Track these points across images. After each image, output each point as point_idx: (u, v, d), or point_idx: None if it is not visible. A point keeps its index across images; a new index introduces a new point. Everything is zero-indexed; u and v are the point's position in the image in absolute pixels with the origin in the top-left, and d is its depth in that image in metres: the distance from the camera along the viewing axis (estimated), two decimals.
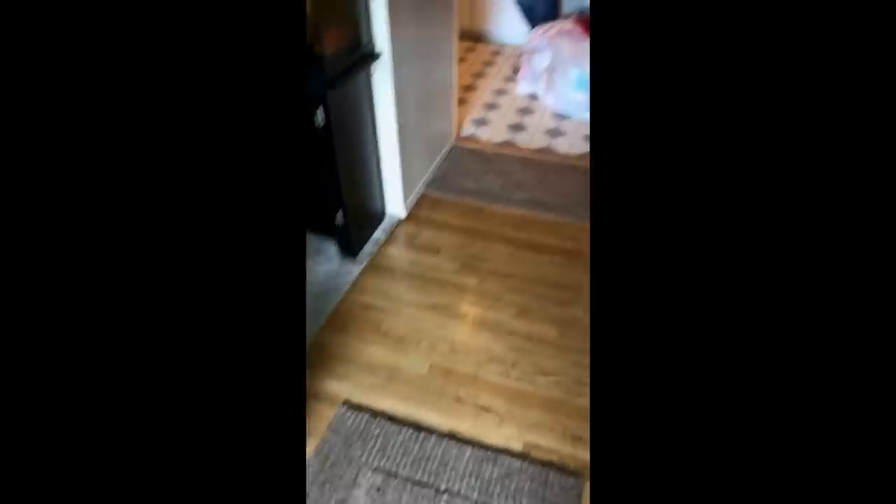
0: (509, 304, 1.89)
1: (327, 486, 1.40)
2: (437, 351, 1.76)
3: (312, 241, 2.17)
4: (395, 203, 2.28)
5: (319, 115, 1.71)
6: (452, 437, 1.51)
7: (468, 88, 3.24)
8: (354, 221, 2.05)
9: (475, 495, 1.37)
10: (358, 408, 1.59)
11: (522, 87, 3.14)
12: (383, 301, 1.94)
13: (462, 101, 3.04)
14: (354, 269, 2.07)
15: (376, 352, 1.76)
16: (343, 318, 1.88)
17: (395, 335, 1.81)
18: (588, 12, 2.97)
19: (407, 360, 1.74)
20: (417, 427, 1.54)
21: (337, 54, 1.70)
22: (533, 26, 3.17)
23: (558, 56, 2.82)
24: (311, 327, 1.83)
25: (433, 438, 1.50)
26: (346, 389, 1.65)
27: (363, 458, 1.46)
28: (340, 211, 1.96)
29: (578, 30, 2.78)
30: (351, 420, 1.55)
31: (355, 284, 2.00)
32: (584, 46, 2.73)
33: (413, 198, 2.35)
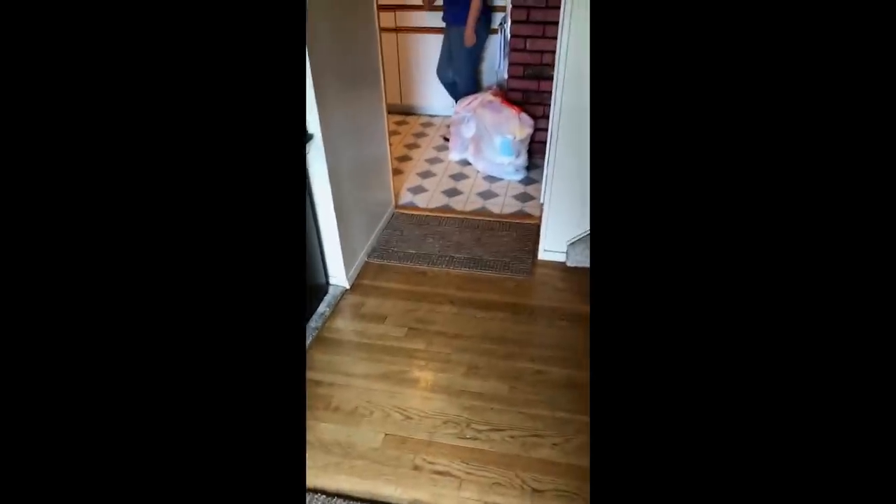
0: (458, 364, 1.92)
1: None
2: (390, 420, 1.74)
3: None
4: (337, 274, 2.30)
5: None
6: None
7: (403, 159, 3.40)
8: None
9: None
10: (313, 491, 1.53)
11: (454, 155, 3.33)
12: (332, 376, 1.92)
13: (397, 172, 3.18)
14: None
15: (327, 429, 1.72)
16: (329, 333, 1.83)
17: (346, 409, 1.78)
18: (505, 85, 3.25)
19: (360, 433, 1.70)
20: None
21: None
22: (457, 100, 3.41)
23: (482, 125, 3.04)
24: None
25: None
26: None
27: None
28: None
29: (498, 100, 3.03)
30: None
31: (308, 355, 1.97)
32: (505, 115, 2.96)
33: (356, 267, 2.39)
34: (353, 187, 2.28)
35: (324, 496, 1.51)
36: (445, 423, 1.72)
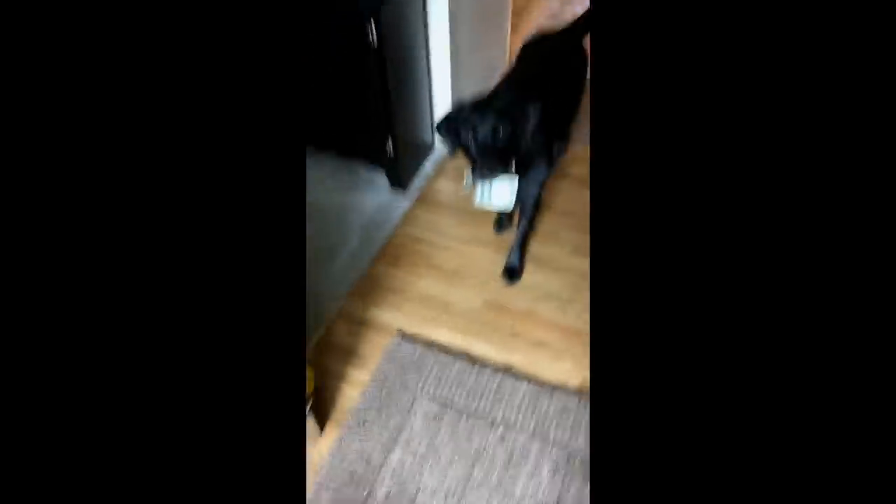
0: (565, 242, 1.82)
1: (383, 412, 1.43)
2: (489, 286, 1.72)
3: (362, 172, 2.12)
4: None
5: (372, 33, 1.60)
6: (507, 370, 1.50)
7: (521, 12, 3.01)
8: (405, 152, 1.97)
9: (532, 427, 1.37)
10: (412, 338, 1.59)
11: (578, 10, 2.89)
12: (434, 235, 1.90)
13: (514, 28, 2.83)
14: (404, 202, 2.02)
15: (428, 285, 1.74)
16: (394, 250, 1.85)
17: (446, 269, 1.78)
18: None
19: (459, 294, 1.71)
20: (472, 359, 1.53)
21: None
22: None
23: None
24: (364, 259, 1.82)
25: (488, 371, 1.49)
26: (399, 320, 1.64)
27: (419, 387, 1.47)
28: (390, 140, 1.89)
29: None
30: (406, 350, 1.55)
31: (406, 218, 1.96)
32: None
33: None
34: (470, 37, 2.05)
35: (421, 345, 1.57)
36: (546, 296, 1.67)
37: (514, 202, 1.45)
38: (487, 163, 1.36)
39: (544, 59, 1.71)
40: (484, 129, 1.34)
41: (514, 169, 1.43)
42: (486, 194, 1.45)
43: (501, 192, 1.43)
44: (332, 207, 2.00)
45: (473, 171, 1.40)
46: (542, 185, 1.63)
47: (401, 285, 1.75)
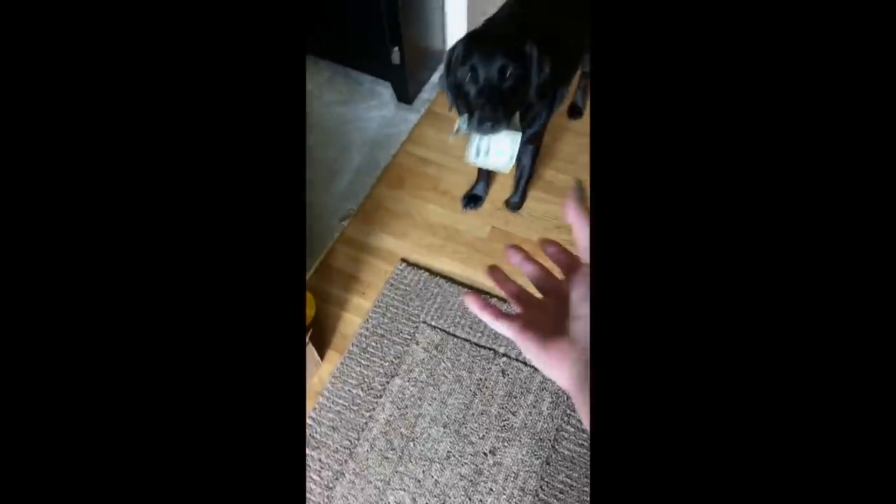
0: (583, 166, 1.70)
1: (385, 339, 1.42)
2: (498, 214, 1.64)
3: (365, 84, 1.96)
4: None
5: None
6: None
7: None
8: (412, 61, 1.79)
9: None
10: (416, 266, 1.54)
11: None
12: (441, 156, 1.78)
13: None
14: (411, 116, 1.87)
15: (434, 210, 1.66)
16: (399, 171, 1.75)
17: (453, 194, 1.68)
18: None
19: (466, 221, 1.63)
20: (477, 290, 1.49)
21: None
22: None
23: None
24: (367, 179, 1.72)
25: (493, 302, 1.45)
26: (403, 247, 1.59)
27: (421, 316, 1.45)
28: (397, 48, 1.71)
29: None
30: (409, 277, 1.51)
31: (412, 135, 1.83)
32: None
33: None
34: None
35: (427, 273, 1.52)
36: (558, 228, 1.60)
37: (513, 162, 1.16)
38: (490, 111, 1.08)
39: None
40: (488, 69, 1.09)
41: (518, 121, 1.16)
42: (481, 151, 1.16)
43: (501, 149, 1.15)
44: (332, 121, 1.86)
45: (469, 120, 1.12)
46: (541, 137, 1.45)
47: (406, 209, 1.67)
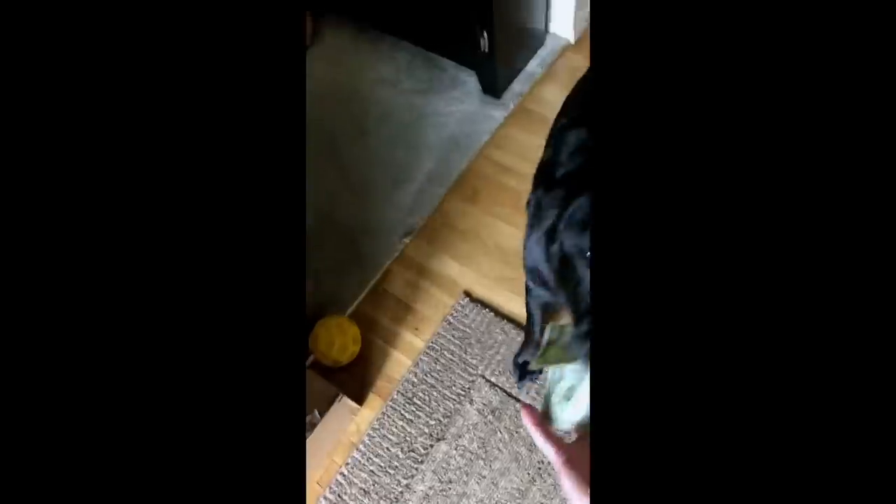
0: None
1: (435, 391, 1.21)
2: None
3: (448, 70, 1.68)
4: (561, 21, 1.63)
5: None
6: None
7: None
8: (504, 47, 1.49)
9: None
10: (480, 303, 1.30)
11: None
12: (527, 165, 1.48)
13: None
14: (497, 113, 1.58)
15: (510, 233, 1.39)
16: (475, 181, 1.48)
17: None
18: None
19: None
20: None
21: None
22: None
23: None
24: (438, 189, 1.48)
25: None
26: (469, 277, 1.34)
27: (480, 368, 1.21)
28: (486, 32, 1.41)
29: None
30: (471, 316, 1.28)
31: (495, 137, 1.55)
32: None
33: (588, 13, 1.66)
34: None
35: (492, 313, 1.27)
36: None
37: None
38: None
39: None
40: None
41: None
42: (563, 404, 0.53)
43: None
44: (406, 114, 1.62)
45: (577, 335, 0.55)
46: None
47: (477, 229, 1.42)
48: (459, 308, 1.30)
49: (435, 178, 1.50)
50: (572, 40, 1.67)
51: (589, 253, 0.57)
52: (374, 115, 1.63)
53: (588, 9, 1.64)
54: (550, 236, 0.64)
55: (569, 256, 0.60)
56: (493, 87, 1.58)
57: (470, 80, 1.64)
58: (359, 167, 1.54)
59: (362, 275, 1.37)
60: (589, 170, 0.65)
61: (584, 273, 0.58)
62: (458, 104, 1.62)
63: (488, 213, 1.43)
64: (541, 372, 1.18)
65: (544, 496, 1.07)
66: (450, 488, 1.11)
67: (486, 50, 1.47)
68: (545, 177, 0.69)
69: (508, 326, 1.25)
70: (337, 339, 1.23)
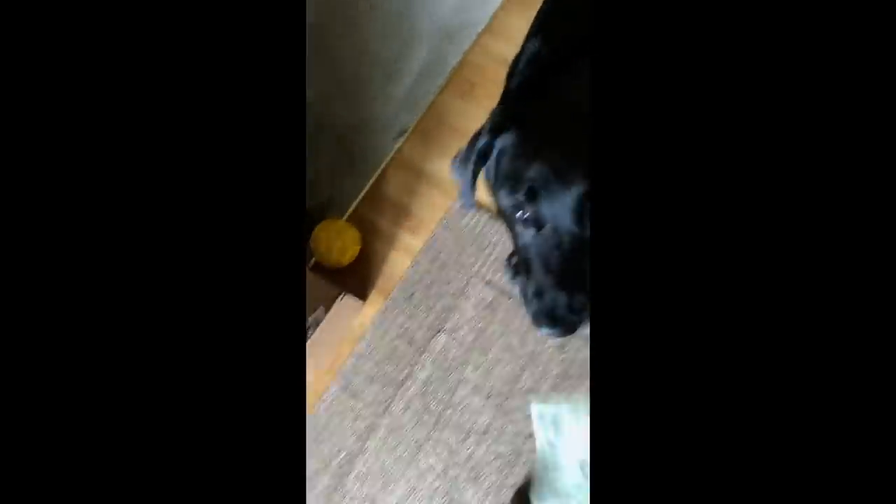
0: None
1: (433, 289, 1.26)
2: None
3: None
4: None
5: None
6: None
7: None
8: None
9: None
10: (478, 204, 1.30)
11: None
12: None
13: None
14: None
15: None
16: (471, 74, 1.41)
17: None
18: None
19: None
20: None
21: None
22: None
23: None
24: (431, 85, 1.41)
25: None
26: None
27: (475, 268, 1.26)
28: None
29: None
30: (467, 218, 1.29)
31: (491, 24, 1.44)
32: None
33: None
34: None
35: (487, 214, 1.29)
36: None
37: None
38: (564, 307, 0.54)
39: None
40: (560, 209, 0.53)
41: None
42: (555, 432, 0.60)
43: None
44: (394, 3, 1.50)
45: (525, 297, 0.60)
46: None
47: (473, 127, 1.37)
48: (456, 210, 1.31)
49: (428, 72, 1.43)
50: None
51: (520, 213, 0.56)
52: (362, 5, 1.51)
53: None
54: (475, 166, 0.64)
55: (506, 212, 0.59)
56: None
57: None
58: (349, 63, 1.46)
59: (358, 178, 1.37)
60: (535, 82, 0.62)
61: (520, 229, 0.58)
62: None
63: (485, 109, 1.38)
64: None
65: (535, 381, 1.17)
66: (448, 376, 1.21)
67: None
68: (505, 87, 0.67)
69: (503, 227, 1.27)
70: (337, 242, 1.27)
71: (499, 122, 0.59)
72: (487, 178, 0.64)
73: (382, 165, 1.38)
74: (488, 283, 1.24)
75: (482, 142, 0.60)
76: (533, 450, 1.12)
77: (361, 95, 1.43)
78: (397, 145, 1.39)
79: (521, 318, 1.20)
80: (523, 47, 0.76)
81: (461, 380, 1.20)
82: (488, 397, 1.17)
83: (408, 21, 1.48)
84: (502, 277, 1.24)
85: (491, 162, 0.59)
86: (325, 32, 1.50)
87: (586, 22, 0.76)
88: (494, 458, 1.14)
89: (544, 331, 0.56)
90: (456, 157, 0.67)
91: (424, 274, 1.28)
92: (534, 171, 0.54)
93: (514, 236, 0.60)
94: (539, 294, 0.54)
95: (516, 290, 1.20)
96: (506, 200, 0.56)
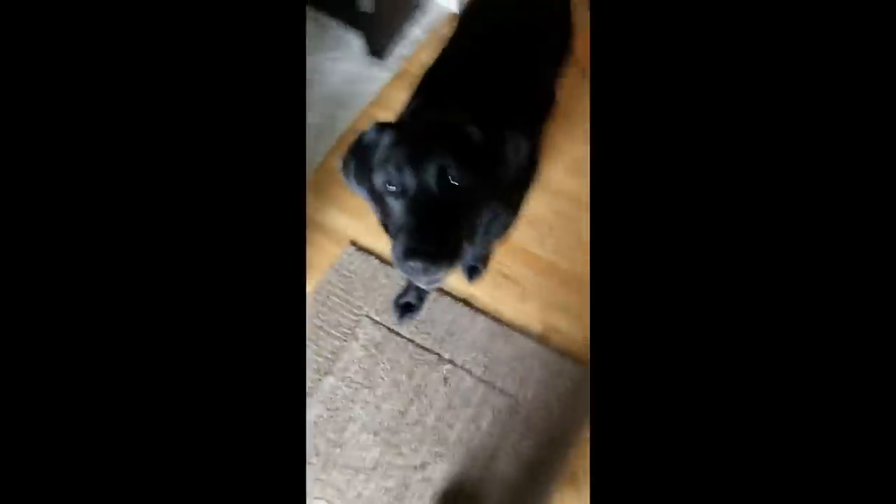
0: (564, 155, 1.54)
1: (322, 331, 1.30)
2: None
3: (332, 30, 1.72)
4: None
5: None
6: (467, 303, 1.34)
7: None
8: (388, 8, 1.56)
9: (479, 372, 1.26)
10: (367, 251, 1.40)
11: None
12: None
13: None
14: (381, 74, 1.66)
15: None
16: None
17: None
18: None
19: None
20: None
21: None
22: None
23: None
24: (322, 145, 1.54)
25: (445, 301, 1.34)
26: (355, 228, 1.44)
27: (364, 308, 1.33)
28: None
29: None
30: (357, 263, 1.38)
31: (380, 97, 1.63)
32: None
33: None
34: None
35: (377, 260, 1.38)
36: (528, 222, 1.45)
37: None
38: (423, 241, 0.67)
39: (508, 30, 1.04)
40: (424, 176, 0.69)
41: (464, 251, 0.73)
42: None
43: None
44: None
45: (398, 253, 0.69)
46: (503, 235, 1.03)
47: None
48: (346, 257, 1.39)
49: (320, 135, 1.56)
50: (454, 9, 1.78)
51: (391, 186, 0.71)
52: None
53: None
54: (358, 167, 0.78)
55: (380, 191, 0.74)
56: (377, 48, 1.65)
57: (354, 41, 1.70)
58: None
59: None
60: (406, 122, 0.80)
61: (390, 201, 0.72)
62: (342, 63, 1.67)
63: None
64: (419, 309, 1.32)
65: (421, 414, 1.22)
66: (337, 415, 1.22)
67: (370, 10, 1.53)
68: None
69: (392, 271, 1.37)
70: None
71: (382, 124, 0.74)
72: (363, 187, 0.76)
73: None
74: (376, 323, 1.31)
75: (369, 136, 0.77)
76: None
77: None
78: None
79: (408, 354, 1.28)
80: (408, 104, 0.94)
81: (350, 418, 1.22)
82: (376, 433, 1.20)
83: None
84: (390, 318, 1.32)
85: (377, 159, 0.74)
86: None
87: (449, 87, 0.96)
88: (383, 494, 1.15)
89: (410, 264, 0.67)
90: (345, 166, 0.79)
91: (313, 318, 1.31)
92: (401, 152, 0.70)
93: (386, 209, 0.74)
94: (407, 239, 0.68)
95: (404, 329, 1.29)
96: (379, 179, 0.70)
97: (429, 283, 0.72)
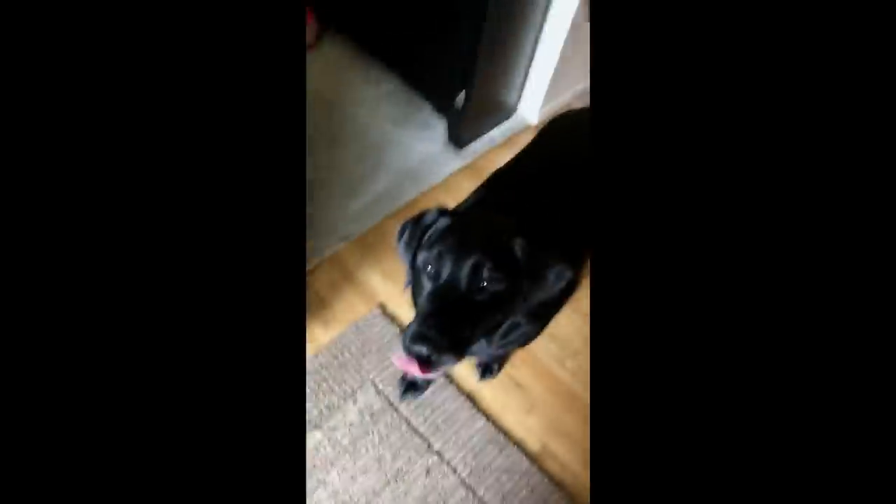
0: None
1: (325, 384, 1.30)
2: None
3: (424, 111, 1.87)
4: (529, 105, 1.88)
5: None
6: (471, 397, 1.32)
7: None
8: (476, 109, 1.70)
9: (464, 473, 1.21)
10: (391, 318, 1.42)
11: None
12: None
13: None
14: (455, 162, 1.77)
15: None
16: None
17: None
18: None
19: None
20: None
21: None
22: None
23: None
24: (384, 208, 1.62)
25: (449, 390, 1.32)
26: (387, 292, 1.47)
27: (371, 374, 1.32)
28: (464, 92, 1.62)
29: None
30: (378, 327, 1.39)
31: (447, 181, 1.73)
32: None
33: (553, 107, 1.93)
34: None
35: (397, 328, 1.40)
36: (552, 338, 1.45)
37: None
38: (434, 329, 0.69)
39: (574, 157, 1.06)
40: (456, 265, 0.72)
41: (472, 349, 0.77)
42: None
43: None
44: (376, 136, 1.78)
45: (407, 335, 0.72)
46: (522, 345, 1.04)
47: None
48: (370, 317, 1.41)
49: (384, 199, 1.65)
50: (534, 123, 1.92)
51: (428, 267, 0.75)
52: (349, 129, 1.78)
53: (555, 103, 1.90)
54: (409, 243, 0.84)
55: (418, 270, 0.78)
56: (458, 139, 1.78)
57: (439, 126, 1.84)
58: (321, 171, 1.66)
59: None
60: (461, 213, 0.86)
61: (424, 281, 0.76)
62: (424, 143, 1.80)
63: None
64: (422, 392, 1.30)
65: (394, 499, 1.17)
66: (312, 473, 1.18)
67: (460, 107, 1.67)
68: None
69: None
70: None
71: (443, 210, 0.83)
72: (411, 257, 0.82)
73: (318, 260, 1.49)
74: (378, 392, 1.30)
75: (429, 217, 0.83)
76: None
77: (321, 200, 1.60)
78: (337, 247, 1.53)
79: (400, 433, 1.25)
80: (474, 193, 1.01)
81: (323, 481, 1.17)
82: None
83: (380, 155, 1.74)
84: (393, 391, 1.30)
85: (424, 240, 0.81)
86: (309, 143, 1.72)
87: (514, 193, 1.02)
88: None
89: (414, 348, 0.69)
90: (401, 233, 0.87)
91: (320, 369, 1.32)
92: (448, 241, 0.75)
93: (418, 285, 0.79)
94: (419, 324, 0.71)
95: (402, 406, 1.27)
96: (422, 257, 0.78)
97: (423, 375, 0.73)
